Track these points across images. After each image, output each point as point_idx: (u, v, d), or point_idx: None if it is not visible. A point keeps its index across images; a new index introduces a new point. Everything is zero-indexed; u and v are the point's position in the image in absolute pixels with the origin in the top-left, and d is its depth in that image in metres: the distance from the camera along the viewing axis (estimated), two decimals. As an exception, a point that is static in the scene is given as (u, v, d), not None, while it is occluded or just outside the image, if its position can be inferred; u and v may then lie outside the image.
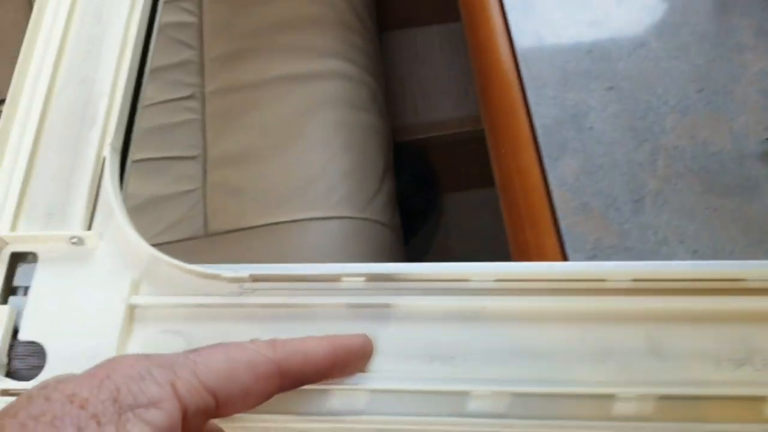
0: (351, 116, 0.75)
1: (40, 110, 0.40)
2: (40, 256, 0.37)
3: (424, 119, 1.09)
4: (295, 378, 0.28)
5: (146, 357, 0.25)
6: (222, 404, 0.25)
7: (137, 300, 0.35)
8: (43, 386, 0.23)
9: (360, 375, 0.32)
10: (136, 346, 0.34)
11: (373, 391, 0.32)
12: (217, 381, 0.25)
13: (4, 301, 0.36)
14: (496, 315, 0.33)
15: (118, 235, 0.37)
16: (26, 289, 0.37)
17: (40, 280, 0.37)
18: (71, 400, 0.22)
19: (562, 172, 0.40)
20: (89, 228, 0.37)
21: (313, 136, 0.72)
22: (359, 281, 0.34)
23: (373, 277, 0.34)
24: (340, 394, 0.32)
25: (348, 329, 0.34)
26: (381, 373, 0.32)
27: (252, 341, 0.28)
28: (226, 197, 0.71)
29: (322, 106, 0.75)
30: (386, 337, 0.33)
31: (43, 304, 0.36)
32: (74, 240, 0.37)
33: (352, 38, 0.82)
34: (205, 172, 0.74)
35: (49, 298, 0.36)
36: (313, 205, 0.68)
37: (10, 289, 0.37)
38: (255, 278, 0.35)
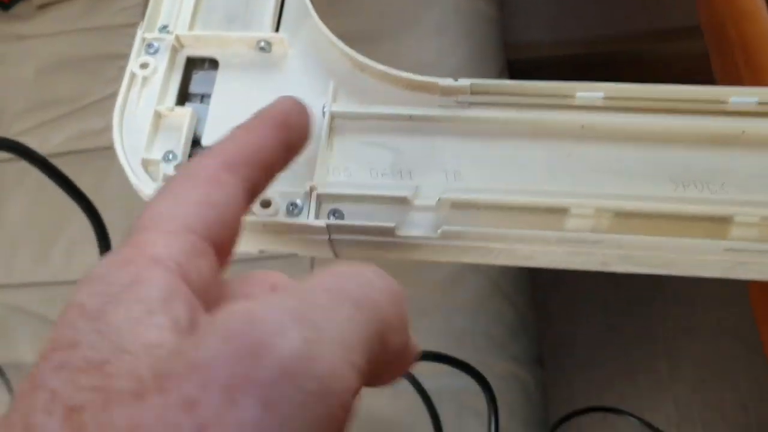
0: (470, 4, 0.70)
1: None
2: (222, 62, 0.33)
3: (511, 40, 1.04)
4: (246, 163, 0.22)
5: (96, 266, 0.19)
6: (212, 235, 0.20)
7: (338, 108, 0.31)
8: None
9: (599, 195, 0.28)
10: (340, 158, 0.31)
11: (618, 214, 0.28)
12: (179, 217, 0.20)
13: (182, 103, 0.33)
14: (758, 140, 0.29)
15: (313, 38, 0.33)
16: (202, 97, 0.33)
17: (222, 86, 0.33)
18: (43, 355, 0.17)
19: (793, 16, 0.36)
20: (276, 31, 0.33)
21: (429, 21, 0.67)
22: (597, 98, 0.30)
23: (612, 94, 0.30)
24: (579, 215, 0.29)
25: (581, 149, 0.30)
26: (623, 195, 0.29)
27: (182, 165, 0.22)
28: (334, 82, 0.66)
29: (438, -9, 0.70)
30: (627, 159, 0.29)
31: (226, 113, 0.32)
32: (262, 44, 0.33)
33: None
34: (311, 55, 0.69)
35: (234, 106, 0.32)
36: (429, 93, 0.63)
37: (185, 96, 0.33)
38: (475, 90, 0.31)
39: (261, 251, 0.32)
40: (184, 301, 0.18)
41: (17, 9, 0.78)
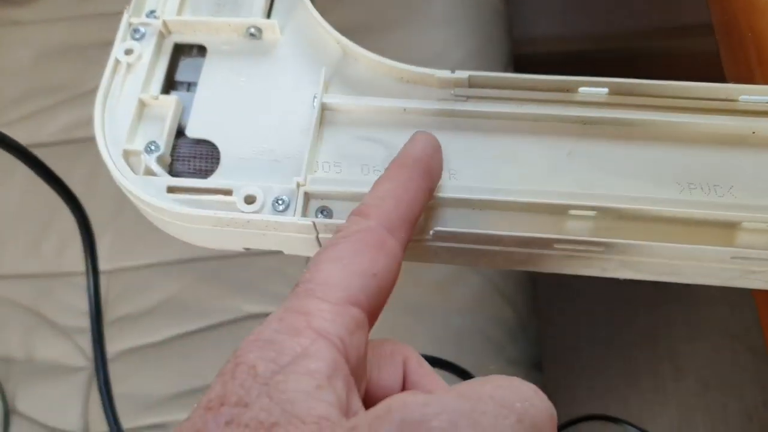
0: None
1: None
2: (210, 49, 0.32)
3: (518, 34, 1.02)
4: (403, 223, 0.23)
5: (261, 325, 0.20)
6: (371, 304, 0.21)
7: (329, 99, 0.30)
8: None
9: (600, 196, 0.27)
10: (330, 152, 0.29)
11: (620, 216, 0.27)
12: (345, 288, 0.21)
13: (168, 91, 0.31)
14: (769, 141, 0.28)
15: (305, 25, 0.32)
16: (189, 85, 0.32)
17: (209, 75, 0.31)
18: (209, 406, 0.18)
19: (809, 11, 0.34)
20: (268, 17, 0.32)
21: (434, 11, 0.66)
22: (600, 93, 0.29)
23: (617, 90, 0.29)
24: (579, 217, 0.27)
25: (582, 147, 0.28)
26: (626, 197, 0.27)
27: (338, 229, 0.23)
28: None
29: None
30: (630, 159, 0.28)
31: (213, 102, 0.31)
32: (252, 30, 0.31)
33: None
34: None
35: (221, 95, 0.31)
36: (433, 87, 0.62)
37: (171, 84, 0.32)
38: (473, 83, 0.29)
39: (246, 249, 0.30)
40: (343, 379, 0.19)
41: (14, -7, 0.77)
